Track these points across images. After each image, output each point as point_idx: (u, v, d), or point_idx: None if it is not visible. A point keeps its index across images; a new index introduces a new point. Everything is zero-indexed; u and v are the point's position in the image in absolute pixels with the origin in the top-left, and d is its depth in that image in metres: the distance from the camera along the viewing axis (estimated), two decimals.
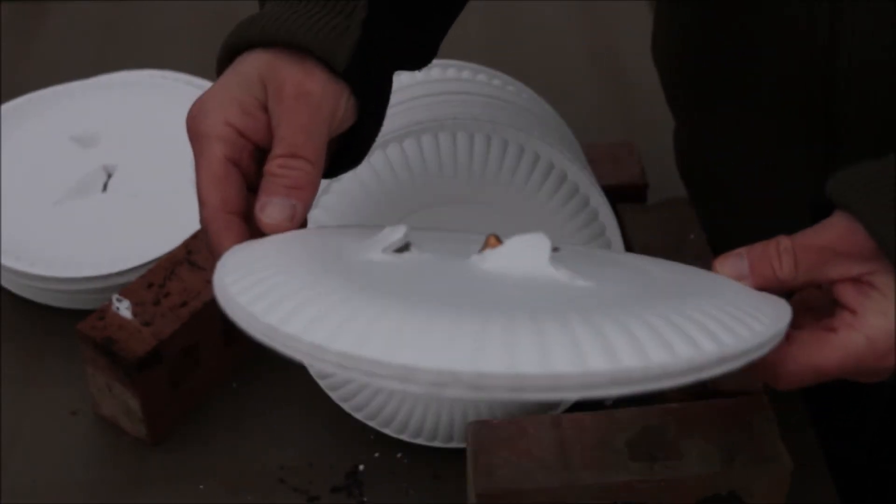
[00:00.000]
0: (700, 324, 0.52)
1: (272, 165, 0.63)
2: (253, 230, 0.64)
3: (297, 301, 0.52)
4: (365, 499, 0.83)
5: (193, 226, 0.95)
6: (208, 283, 0.88)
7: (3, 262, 0.95)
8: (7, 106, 1.09)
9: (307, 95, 0.63)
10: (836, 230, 0.60)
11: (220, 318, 0.89)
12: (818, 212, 0.62)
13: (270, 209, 0.63)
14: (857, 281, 0.60)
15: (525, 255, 0.58)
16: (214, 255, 0.63)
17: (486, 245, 0.60)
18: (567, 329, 0.50)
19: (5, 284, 0.98)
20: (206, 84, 1.11)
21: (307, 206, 0.64)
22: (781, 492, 0.79)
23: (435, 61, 0.91)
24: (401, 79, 0.89)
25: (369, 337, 0.49)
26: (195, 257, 0.90)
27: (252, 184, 0.65)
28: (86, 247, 0.97)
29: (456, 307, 0.51)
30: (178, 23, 1.30)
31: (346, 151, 0.68)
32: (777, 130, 0.78)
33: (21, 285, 0.97)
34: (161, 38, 1.28)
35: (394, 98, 0.83)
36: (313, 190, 0.64)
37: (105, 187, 1.02)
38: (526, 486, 0.75)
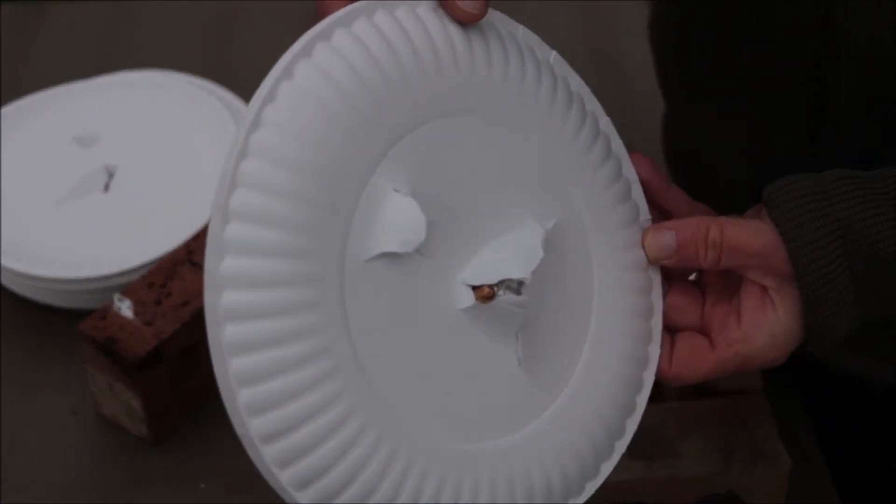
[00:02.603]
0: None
1: None
2: None
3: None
4: None
5: (194, 225, 0.95)
6: None
7: (3, 262, 0.95)
8: (7, 107, 1.09)
9: None
10: (763, 241, 0.61)
11: None
12: None
13: None
14: (764, 290, 0.62)
15: (499, 330, 0.60)
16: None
17: (477, 291, 0.59)
18: None
19: (6, 283, 0.98)
20: (206, 84, 1.11)
21: None
22: (781, 491, 0.79)
23: None
24: None
25: None
26: (196, 257, 0.90)
27: None
28: (87, 247, 0.97)
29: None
30: (178, 23, 1.30)
31: None
32: (767, 114, 0.78)
33: (22, 284, 0.97)
34: (161, 38, 1.28)
35: None
36: None
37: (107, 187, 1.02)
38: None
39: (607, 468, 0.63)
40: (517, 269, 0.59)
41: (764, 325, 0.62)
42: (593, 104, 0.66)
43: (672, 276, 0.66)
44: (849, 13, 0.69)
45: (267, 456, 0.54)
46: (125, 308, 0.86)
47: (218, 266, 0.55)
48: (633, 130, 1.12)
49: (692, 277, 0.67)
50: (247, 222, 0.54)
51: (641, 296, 0.64)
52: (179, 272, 0.89)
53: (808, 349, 0.63)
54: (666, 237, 0.63)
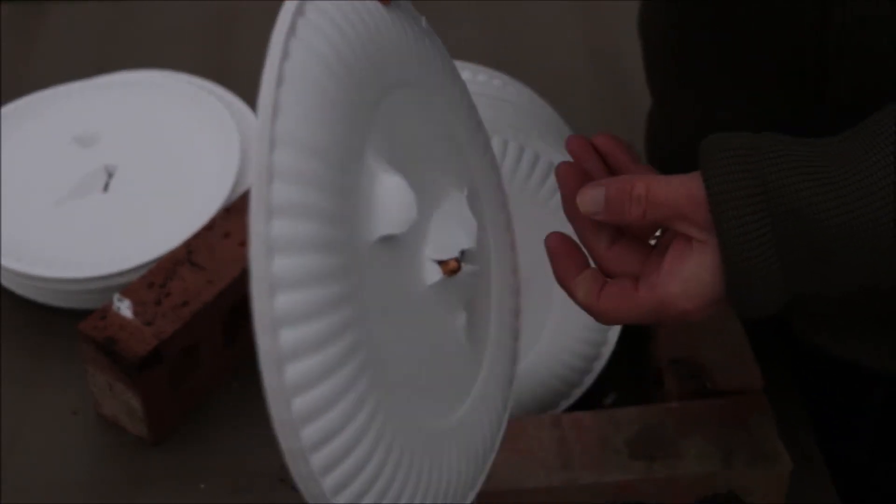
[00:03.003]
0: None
1: None
2: None
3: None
4: None
5: (194, 225, 0.95)
6: (209, 283, 0.89)
7: (3, 262, 0.95)
8: (7, 106, 1.09)
9: None
10: (689, 192, 0.62)
11: (221, 319, 0.90)
12: None
13: None
14: (689, 241, 0.63)
15: (455, 301, 0.61)
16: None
17: (444, 265, 0.59)
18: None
19: (6, 283, 0.98)
20: (206, 84, 1.11)
21: None
22: (781, 491, 0.79)
23: None
24: None
25: None
26: (196, 257, 0.90)
27: None
28: (86, 247, 0.97)
29: None
30: (178, 23, 1.30)
31: None
32: (767, 113, 0.78)
33: (22, 284, 0.97)
34: (161, 38, 1.28)
35: None
36: None
37: (107, 187, 1.02)
38: (526, 486, 0.76)
39: (505, 417, 0.66)
40: (466, 239, 0.60)
41: (678, 272, 0.63)
42: (453, 65, 0.67)
43: (629, 233, 0.67)
44: (847, 13, 0.69)
45: (315, 465, 0.51)
46: (125, 308, 0.86)
47: (268, 267, 0.50)
48: (633, 130, 1.13)
49: (653, 242, 0.67)
50: (292, 218, 0.50)
51: (511, 252, 0.69)
52: (179, 272, 0.89)
53: (735, 309, 0.63)
54: (596, 192, 0.64)
